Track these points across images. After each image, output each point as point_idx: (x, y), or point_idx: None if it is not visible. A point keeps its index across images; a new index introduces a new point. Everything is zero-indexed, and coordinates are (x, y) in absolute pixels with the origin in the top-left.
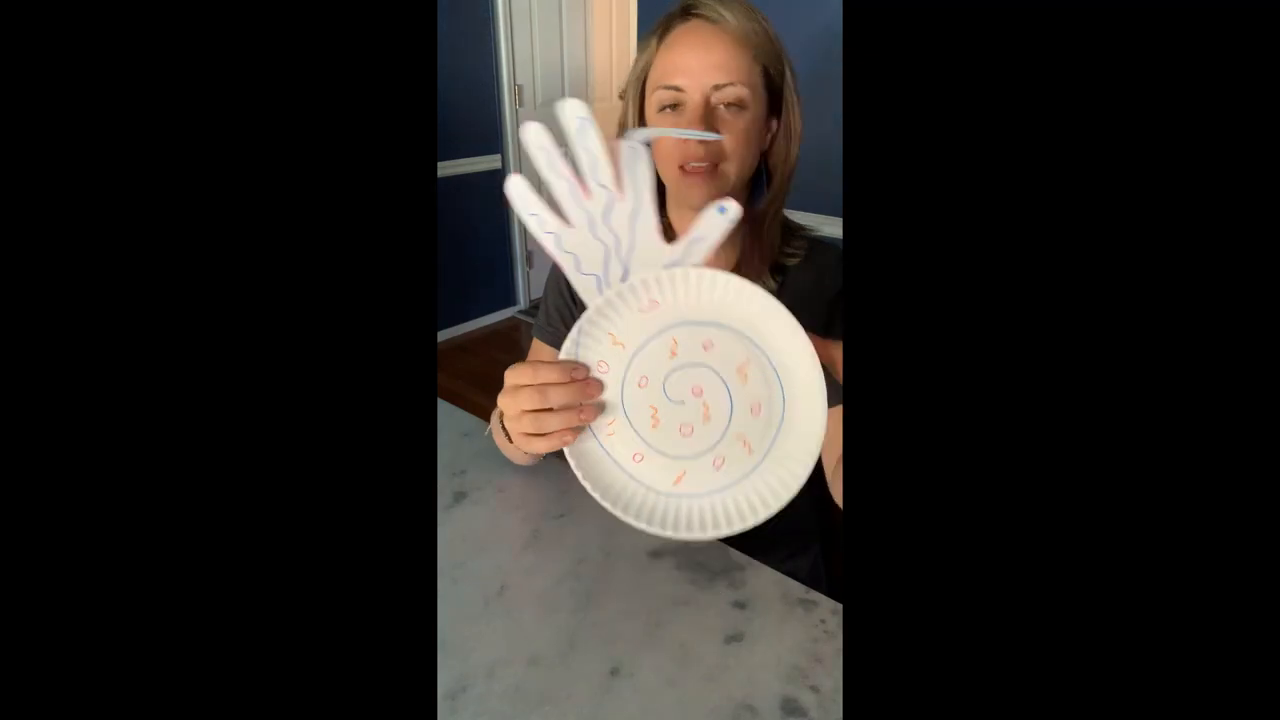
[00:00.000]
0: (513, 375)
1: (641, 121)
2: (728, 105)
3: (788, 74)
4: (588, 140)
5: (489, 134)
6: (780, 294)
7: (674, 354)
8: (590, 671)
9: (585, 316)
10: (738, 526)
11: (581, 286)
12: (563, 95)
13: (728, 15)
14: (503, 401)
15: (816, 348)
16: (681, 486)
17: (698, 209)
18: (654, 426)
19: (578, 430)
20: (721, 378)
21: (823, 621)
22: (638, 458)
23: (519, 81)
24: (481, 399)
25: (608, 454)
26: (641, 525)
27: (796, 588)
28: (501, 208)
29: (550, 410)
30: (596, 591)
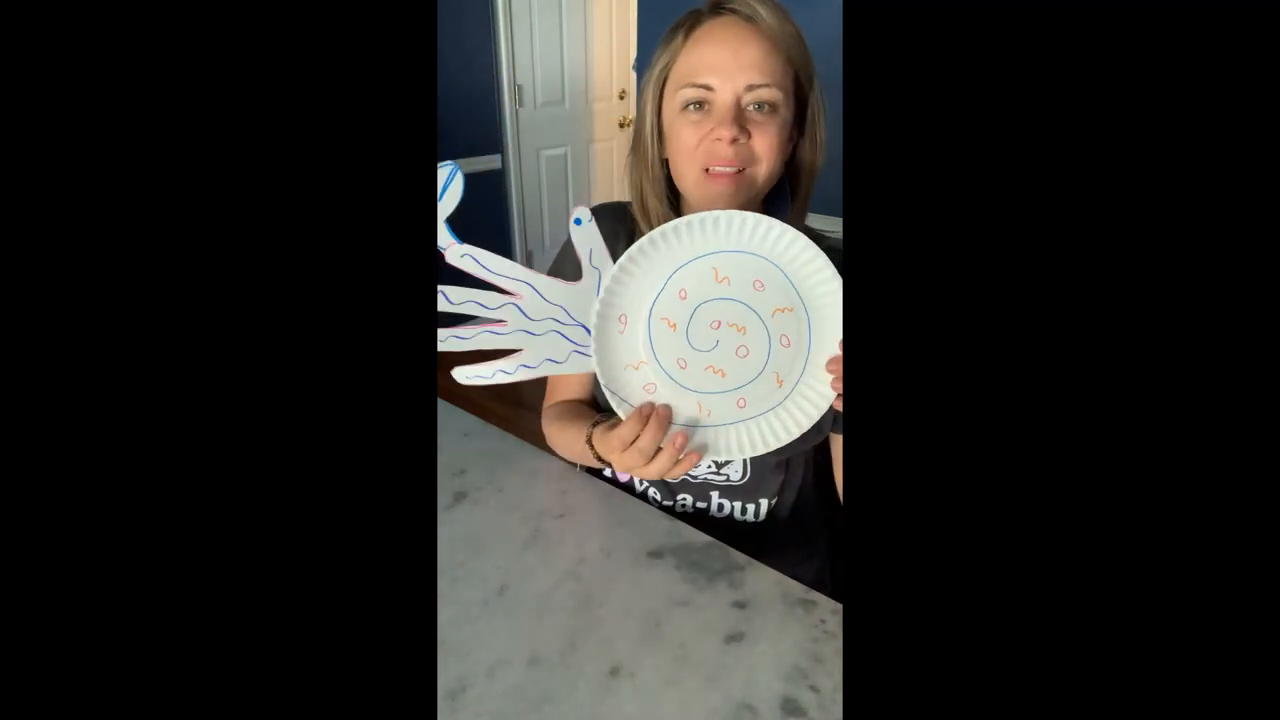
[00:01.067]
0: (603, 448)
1: (659, 123)
2: (758, 107)
3: (815, 80)
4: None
5: (489, 134)
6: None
7: (722, 281)
8: (590, 671)
9: (606, 287)
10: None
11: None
12: (563, 95)
13: (762, 12)
14: (623, 467)
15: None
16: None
17: (722, 209)
18: (682, 368)
19: (689, 448)
20: (759, 315)
21: (823, 621)
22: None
23: (519, 81)
24: (482, 399)
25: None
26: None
27: (796, 588)
28: (501, 208)
29: (657, 450)
30: (596, 591)
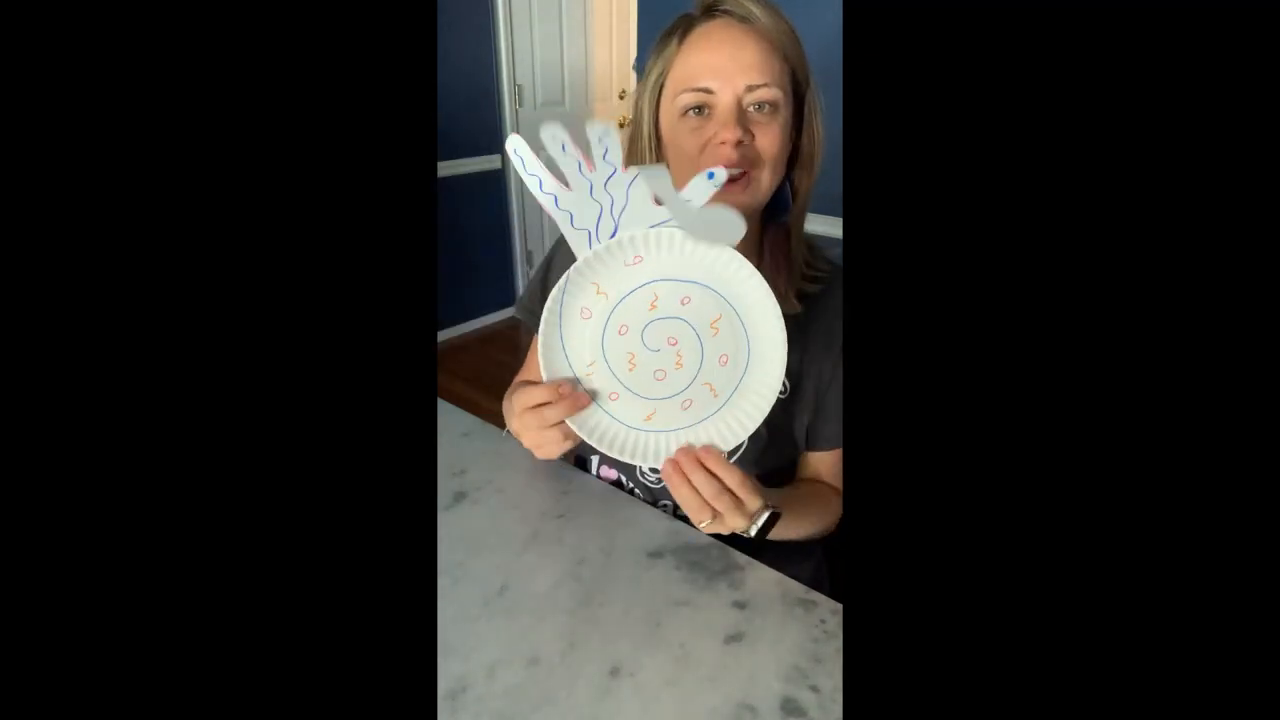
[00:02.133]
0: (509, 403)
1: (657, 131)
2: (759, 108)
3: (812, 79)
4: (608, 137)
5: (489, 134)
6: (807, 322)
7: (653, 306)
8: (590, 671)
9: (574, 267)
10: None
11: (574, 240)
12: (563, 95)
13: (757, 12)
14: (511, 427)
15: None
16: (652, 423)
17: None
18: (630, 370)
19: (574, 437)
20: (695, 330)
21: (823, 621)
22: (613, 396)
23: (519, 81)
24: (481, 399)
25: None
26: (615, 454)
27: (796, 588)
28: (501, 208)
29: (554, 426)
30: (596, 591)
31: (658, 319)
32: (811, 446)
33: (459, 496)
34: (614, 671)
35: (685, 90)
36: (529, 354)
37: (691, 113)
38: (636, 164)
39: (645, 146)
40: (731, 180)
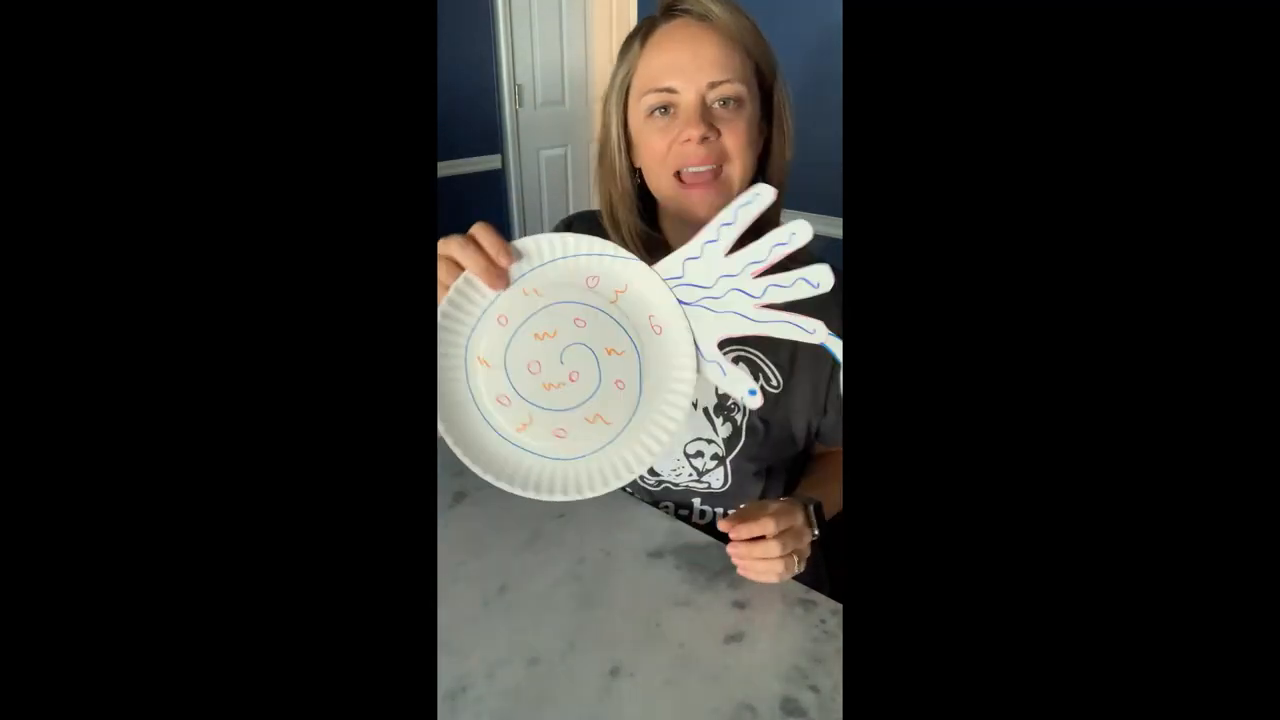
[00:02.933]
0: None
1: (626, 133)
2: (724, 103)
3: (778, 72)
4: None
5: (489, 134)
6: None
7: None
8: (590, 671)
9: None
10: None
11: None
12: (563, 95)
13: (716, 10)
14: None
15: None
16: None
17: (701, 222)
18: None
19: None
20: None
21: (823, 621)
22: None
23: (519, 81)
24: None
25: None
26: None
27: (796, 588)
28: (501, 208)
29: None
30: (596, 591)
31: (562, 344)
32: (835, 443)
33: (459, 496)
34: (614, 671)
35: (649, 91)
36: None
37: (657, 113)
38: (607, 167)
39: (615, 150)
40: (702, 182)
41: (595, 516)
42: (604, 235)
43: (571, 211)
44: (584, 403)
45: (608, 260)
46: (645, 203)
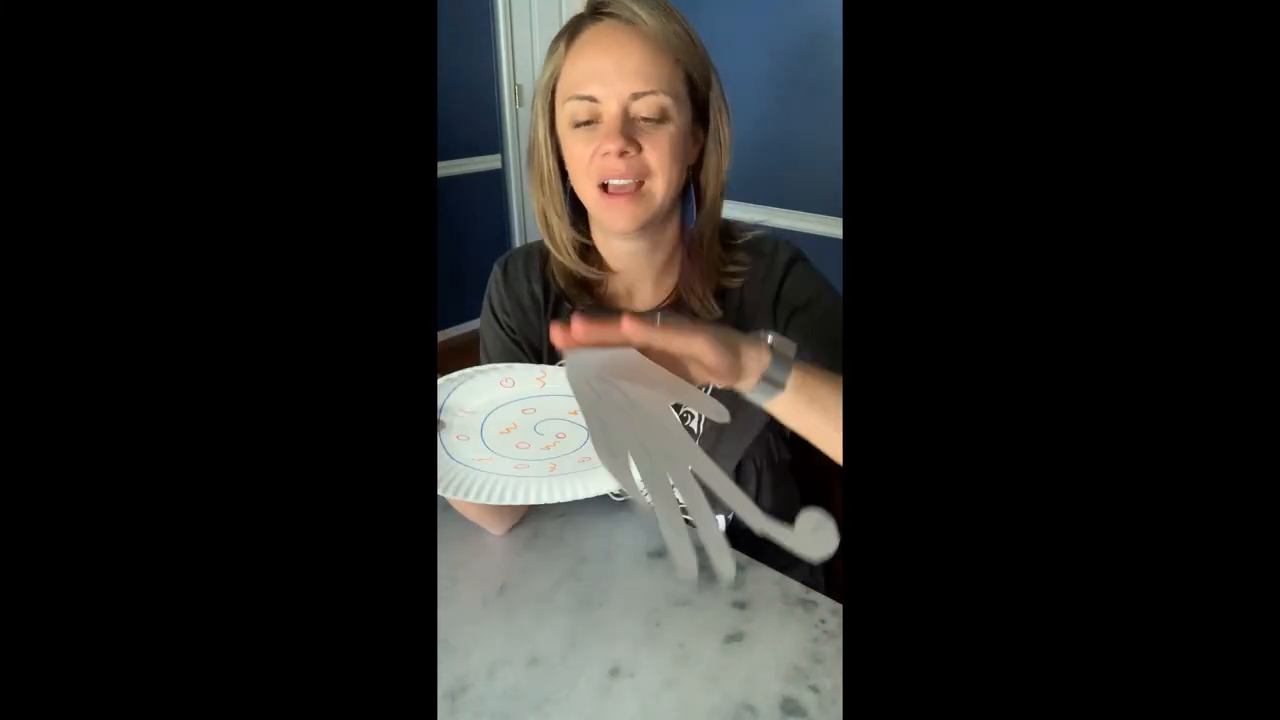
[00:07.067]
0: None
1: (554, 138)
2: (647, 118)
3: (714, 79)
4: None
5: (489, 134)
6: (725, 319)
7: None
8: (590, 671)
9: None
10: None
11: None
12: None
13: (643, 15)
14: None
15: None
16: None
17: (623, 234)
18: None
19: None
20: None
21: (823, 621)
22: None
23: (519, 81)
24: None
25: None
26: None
27: (796, 588)
28: (501, 208)
29: None
30: (596, 591)
31: (530, 425)
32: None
33: None
34: (614, 671)
35: (572, 97)
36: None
37: (582, 125)
38: (535, 171)
39: (542, 154)
40: (625, 194)
41: (595, 516)
42: (541, 264)
43: None
44: (578, 448)
45: (508, 371)
46: (575, 209)
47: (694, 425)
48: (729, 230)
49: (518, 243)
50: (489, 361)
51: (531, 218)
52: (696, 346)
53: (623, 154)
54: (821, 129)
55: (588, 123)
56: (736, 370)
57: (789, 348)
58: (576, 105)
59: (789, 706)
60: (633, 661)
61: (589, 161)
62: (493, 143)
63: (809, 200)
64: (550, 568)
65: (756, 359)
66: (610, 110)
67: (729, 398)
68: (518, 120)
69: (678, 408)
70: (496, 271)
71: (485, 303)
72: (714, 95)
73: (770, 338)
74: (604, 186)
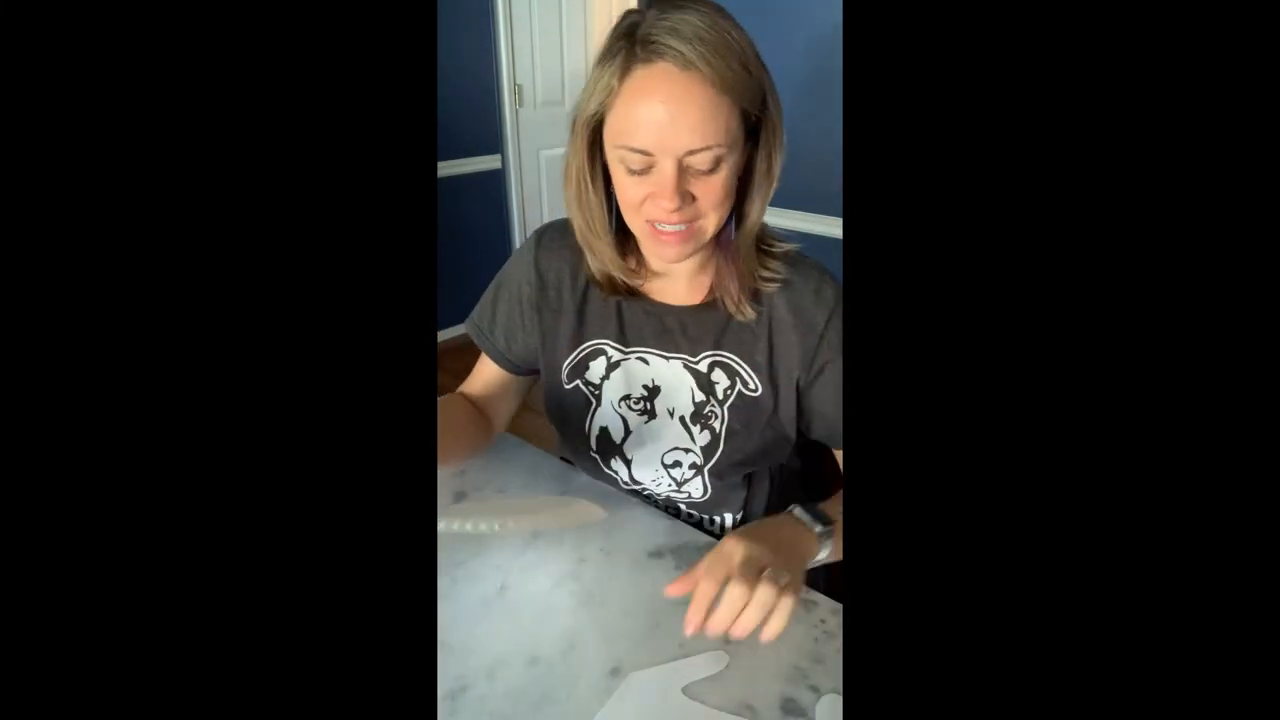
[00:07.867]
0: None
1: (605, 173)
2: (700, 170)
3: (769, 102)
4: None
5: (489, 134)
6: (759, 324)
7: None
8: (590, 671)
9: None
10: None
11: None
12: (563, 95)
13: (701, 60)
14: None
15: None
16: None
17: (671, 263)
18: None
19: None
20: None
21: (823, 621)
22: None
23: (519, 81)
24: None
25: None
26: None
27: None
28: (501, 208)
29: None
30: (596, 591)
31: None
32: (837, 445)
33: (459, 496)
34: (614, 671)
35: (624, 146)
36: (477, 366)
37: (635, 174)
38: (572, 196)
39: (587, 182)
40: (675, 235)
41: None
42: (575, 242)
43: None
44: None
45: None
46: (620, 224)
47: (716, 426)
48: (763, 235)
49: (517, 243)
50: (490, 309)
51: (532, 218)
52: (786, 606)
53: (678, 208)
54: (821, 129)
55: (641, 174)
56: (803, 570)
57: (813, 521)
58: (629, 155)
59: (789, 706)
60: (633, 661)
61: (640, 203)
62: (492, 143)
63: (809, 201)
64: (550, 568)
65: (809, 547)
66: (665, 168)
67: (742, 405)
68: (518, 120)
69: (700, 411)
70: (532, 240)
71: (513, 262)
72: (768, 118)
73: (796, 511)
74: (652, 224)
